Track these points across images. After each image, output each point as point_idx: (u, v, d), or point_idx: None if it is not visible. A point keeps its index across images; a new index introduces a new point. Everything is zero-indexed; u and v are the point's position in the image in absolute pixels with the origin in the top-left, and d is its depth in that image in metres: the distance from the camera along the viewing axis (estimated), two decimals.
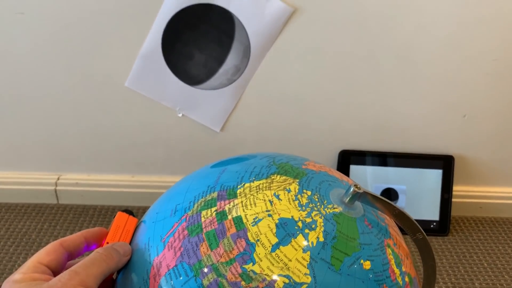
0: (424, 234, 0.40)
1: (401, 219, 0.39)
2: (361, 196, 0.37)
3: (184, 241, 0.35)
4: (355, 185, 0.37)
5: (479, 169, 0.95)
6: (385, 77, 0.86)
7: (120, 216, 0.40)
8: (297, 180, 0.38)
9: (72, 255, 0.37)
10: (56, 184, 0.96)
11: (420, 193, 0.91)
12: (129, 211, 0.41)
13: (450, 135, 0.91)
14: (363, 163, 0.92)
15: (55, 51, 0.84)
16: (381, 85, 0.87)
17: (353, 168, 0.92)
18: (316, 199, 0.37)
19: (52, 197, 0.97)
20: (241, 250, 0.33)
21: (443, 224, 0.92)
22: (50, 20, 0.81)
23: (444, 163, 0.92)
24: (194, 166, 0.46)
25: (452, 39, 0.82)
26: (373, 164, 0.91)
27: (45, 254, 0.35)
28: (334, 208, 0.36)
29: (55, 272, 0.35)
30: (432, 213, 0.92)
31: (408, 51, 0.84)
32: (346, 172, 0.91)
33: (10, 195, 0.97)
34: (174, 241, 0.35)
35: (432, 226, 0.92)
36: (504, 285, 0.82)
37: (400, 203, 0.91)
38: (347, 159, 0.92)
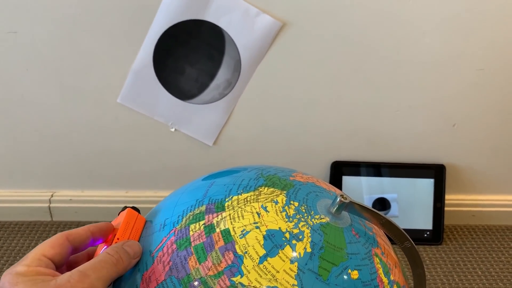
0: (412, 242, 0.41)
1: (389, 228, 0.40)
2: (348, 206, 0.38)
3: (172, 255, 0.35)
4: (341, 195, 0.37)
5: (470, 178, 0.96)
6: (375, 89, 0.87)
7: (130, 213, 0.38)
8: (285, 192, 0.38)
9: (76, 249, 0.36)
10: (49, 201, 0.96)
11: (412, 203, 0.92)
12: (136, 208, 0.40)
13: (441, 144, 0.92)
14: (355, 173, 0.92)
15: (47, 69, 0.84)
16: (371, 96, 0.88)
17: (346, 179, 0.92)
18: (303, 210, 0.37)
19: (46, 214, 0.97)
20: (229, 262, 0.33)
21: (437, 233, 0.92)
22: (42, 38, 0.82)
23: (436, 172, 0.92)
24: (188, 180, 0.46)
25: (439, 50, 0.84)
26: (365, 174, 0.92)
27: (50, 246, 0.34)
28: (321, 219, 0.37)
29: (58, 266, 0.34)
30: (425, 223, 0.92)
31: (397, 62, 0.85)
32: (338, 183, 0.92)
33: (4, 213, 0.96)
34: (163, 255, 0.35)
35: (425, 235, 0.92)
36: None
37: (393, 213, 0.91)
38: (339, 170, 0.92)
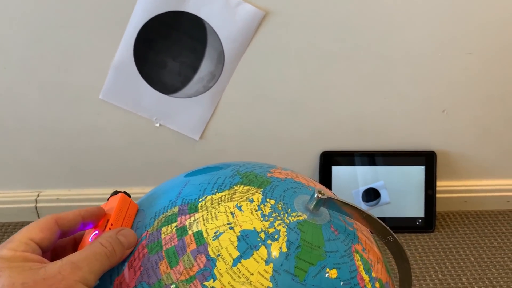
0: (395, 236, 0.39)
1: (370, 222, 0.38)
2: (326, 202, 0.36)
3: (143, 260, 0.34)
4: (319, 191, 0.36)
5: (461, 164, 0.95)
6: (362, 77, 0.86)
7: (124, 198, 0.36)
8: (261, 189, 0.37)
9: (65, 234, 0.34)
10: (36, 201, 0.95)
11: (404, 191, 0.91)
12: (128, 194, 0.38)
13: (431, 131, 0.91)
14: (344, 163, 0.91)
15: (26, 67, 0.82)
16: (359, 84, 0.86)
17: (335, 169, 0.91)
18: (280, 208, 0.36)
19: (33, 214, 0.96)
20: (201, 266, 0.32)
21: (429, 221, 0.91)
22: (18, 36, 0.80)
23: (426, 159, 0.91)
24: (175, 176, 0.45)
25: (427, 36, 0.82)
26: (355, 164, 0.91)
27: (38, 230, 0.32)
28: (298, 216, 0.35)
29: (44, 251, 0.32)
30: (417, 210, 0.91)
31: (383, 49, 0.83)
32: (328, 173, 0.91)
33: None
34: (134, 260, 0.34)
35: (417, 223, 0.91)
36: (491, 278, 0.81)
37: (384, 200, 0.90)
38: (329, 161, 0.91)
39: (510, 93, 0.88)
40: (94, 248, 0.32)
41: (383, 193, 0.90)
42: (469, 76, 0.86)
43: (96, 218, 0.35)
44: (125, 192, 0.38)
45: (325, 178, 0.91)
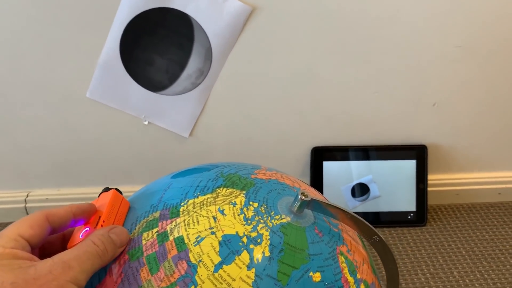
0: (381, 236, 0.39)
1: (355, 223, 0.38)
2: (310, 203, 0.36)
3: (124, 266, 0.33)
4: (302, 193, 0.36)
5: (453, 157, 0.94)
6: (351, 71, 0.85)
7: (116, 195, 0.36)
8: (244, 192, 0.36)
9: (55, 230, 0.33)
10: (25, 202, 0.94)
11: (395, 185, 0.90)
12: (119, 191, 0.38)
13: (421, 124, 0.90)
14: (336, 158, 0.90)
15: (11, 67, 0.81)
16: (348, 79, 0.85)
17: (326, 164, 0.91)
18: (263, 211, 0.35)
19: (23, 214, 0.95)
20: (182, 273, 0.31)
21: (420, 215, 0.91)
22: (2, 34, 0.78)
23: (417, 153, 0.91)
24: (165, 174, 0.44)
25: (415, 29, 0.81)
26: (346, 159, 0.90)
27: (28, 226, 0.31)
28: (281, 219, 0.35)
29: (33, 248, 0.31)
30: (408, 204, 0.91)
31: (371, 43, 0.82)
32: (319, 169, 0.90)
33: None
34: (115, 267, 0.33)
35: (409, 217, 0.91)
36: (482, 271, 0.82)
37: (374, 193, 0.90)
38: (320, 156, 0.91)
39: (500, 86, 0.88)
40: (86, 246, 0.31)
41: (372, 187, 0.89)
42: (459, 68, 0.86)
43: (87, 215, 0.35)
44: (116, 189, 0.37)
45: (317, 174, 0.90)
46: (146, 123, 0.86)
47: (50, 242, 0.35)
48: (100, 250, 0.31)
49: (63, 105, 0.85)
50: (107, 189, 0.37)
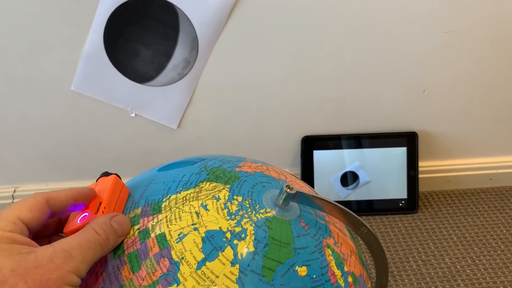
0: (369, 227, 0.39)
1: (342, 214, 0.37)
2: (296, 196, 0.35)
3: (105, 265, 0.32)
4: (287, 186, 0.35)
5: (443, 143, 0.94)
6: (339, 59, 0.84)
7: (117, 181, 0.35)
8: (228, 186, 0.36)
9: (54, 214, 0.32)
10: (13, 197, 0.93)
11: (386, 173, 0.90)
12: (119, 176, 0.36)
13: (412, 111, 0.90)
14: (326, 147, 0.90)
15: None
16: (337, 67, 0.84)
17: (317, 153, 0.90)
18: (247, 205, 0.34)
19: None
20: (165, 271, 0.31)
21: (412, 202, 0.91)
22: None
23: (408, 140, 0.90)
24: (153, 166, 0.43)
25: (403, 15, 0.80)
26: (337, 147, 0.90)
27: (27, 210, 0.30)
28: (266, 213, 0.34)
29: (31, 232, 0.30)
30: (399, 192, 0.91)
31: (361, 29, 0.81)
32: (309, 158, 0.90)
33: None
34: (96, 265, 0.32)
35: (400, 204, 0.91)
36: (474, 257, 0.82)
37: (364, 179, 0.90)
38: (310, 145, 0.90)
39: (490, 71, 0.88)
40: (88, 235, 0.30)
41: (361, 174, 0.89)
42: (448, 54, 0.85)
43: (87, 200, 0.34)
44: (116, 174, 0.36)
45: (307, 163, 0.90)
46: (133, 115, 0.85)
47: (45, 225, 0.34)
48: (102, 239, 0.30)
49: (48, 98, 0.83)
50: (106, 174, 0.36)
